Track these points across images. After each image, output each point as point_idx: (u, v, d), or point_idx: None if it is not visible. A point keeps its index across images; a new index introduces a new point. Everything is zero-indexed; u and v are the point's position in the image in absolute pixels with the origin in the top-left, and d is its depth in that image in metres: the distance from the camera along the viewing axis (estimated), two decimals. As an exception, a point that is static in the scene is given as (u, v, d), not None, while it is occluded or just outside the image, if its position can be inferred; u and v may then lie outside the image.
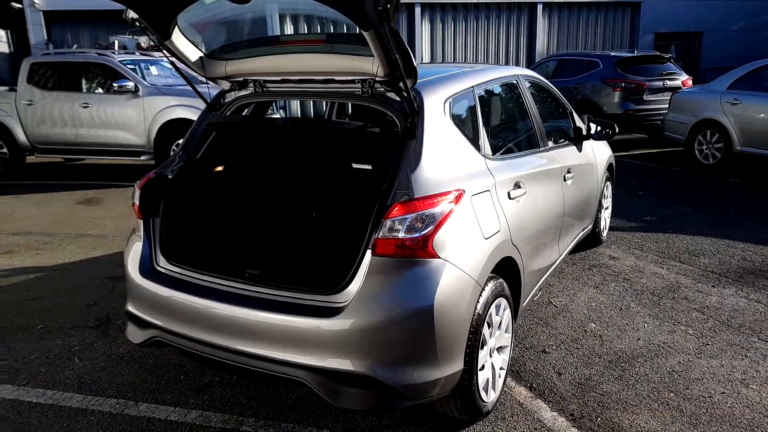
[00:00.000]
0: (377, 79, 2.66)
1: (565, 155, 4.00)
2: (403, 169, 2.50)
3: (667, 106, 9.72)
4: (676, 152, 9.56)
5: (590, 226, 4.86)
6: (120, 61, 8.73)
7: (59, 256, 5.39)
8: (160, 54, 12.22)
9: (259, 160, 3.44)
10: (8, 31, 19.09)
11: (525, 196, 3.12)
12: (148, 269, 2.87)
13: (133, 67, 8.80)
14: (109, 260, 5.26)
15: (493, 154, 3.04)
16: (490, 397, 2.83)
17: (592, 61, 10.76)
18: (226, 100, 3.22)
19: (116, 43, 12.84)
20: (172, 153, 8.19)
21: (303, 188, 3.33)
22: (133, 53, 10.14)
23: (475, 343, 2.57)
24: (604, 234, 5.36)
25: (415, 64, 2.47)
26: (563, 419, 2.88)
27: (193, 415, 2.93)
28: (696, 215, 6.26)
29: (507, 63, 16.31)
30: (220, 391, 3.13)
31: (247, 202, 3.37)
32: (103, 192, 8.06)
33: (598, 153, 4.85)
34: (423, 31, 16.02)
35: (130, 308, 2.93)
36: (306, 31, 13.47)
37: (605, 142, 5.28)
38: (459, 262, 2.43)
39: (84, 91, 8.69)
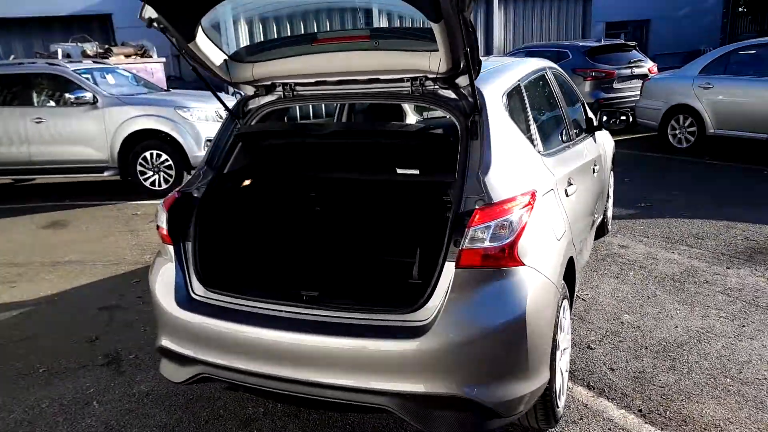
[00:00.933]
0: (431, 76, 2.50)
1: (590, 147, 3.94)
2: (470, 173, 2.34)
3: (635, 93, 9.93)
4: (648, 138, 9.77)
5: (601, 216, 4.83)
6: (74, 71, 8.18)
7: (39, 288, 4.96)
8: (115, 61, 11.67)
9: (297, 171, 3.21)
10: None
11: (576, 193, 3.03)
12: (185, 299, 2.61)
13: (88, 76, 8.26)
14: (95, 288, 4.88)
15: (545, 150, 2.93)
16: (562, 402, 2.72)
17: (561, 52, 10.88)
18: (250, 107, 2.98)
19: (59, 51, 12.11)
20: (139, 166, 7.78)
21: (351, 198, 3.13)
22: (79, 62, 9.55)
23: (554, 350, 2.46)
24: (610, 223, 5.37)
25: (480, 57, 2.32)
26: (633, 416, 2.80)
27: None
28: (686, 198, 6.38)
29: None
30: (269, 424, 2.90)
31: (288, 218, 3.13)
32: (68, 213, 7.54)
33: (607, 143, 4.83)
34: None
35: (166, 344, 2.66)
36: (341, 27, 12.41)
37: (607, 132, 5.28)
38: (542, 268, 2.30)
39: (35, 105, 8.09)
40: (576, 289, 3.37)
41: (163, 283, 2.69)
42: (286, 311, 2.42)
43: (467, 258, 2.16)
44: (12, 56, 13.89)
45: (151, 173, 7.91)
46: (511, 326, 2.16)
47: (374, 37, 2.57)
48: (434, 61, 2.41)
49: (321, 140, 2.76)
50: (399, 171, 2.94)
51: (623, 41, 11.45)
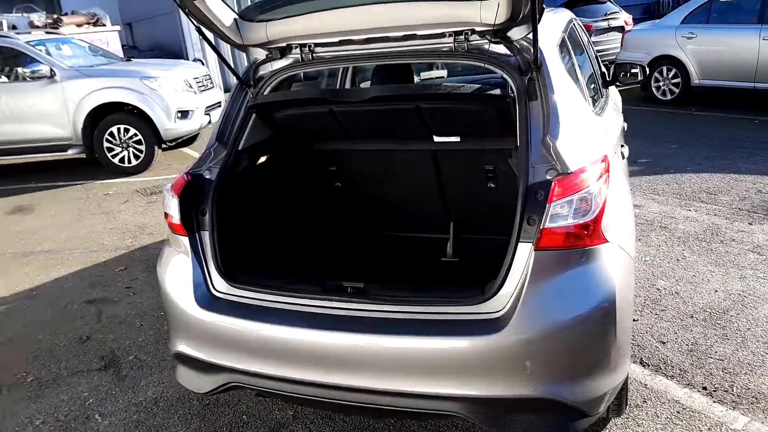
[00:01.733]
0: (479, 29, 2.15)
1: (616, 103, 3.67)
2: (533, 138, 2.03)
3: (614, 45, 9.71)
4: (631, 91, 9.58)
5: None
6: (27, 42, 7.46)
7: (15, 282, 4.50)
8: (68, 31, 10.80)
9: (321, 144, 2.83)
10: None
11: (624, 154, 2.76)
12: (206, 298, 2.26)
13: (41, 48, 7.55)
14: (77, 280, 4.44)
15: (594, 107, 2.63)
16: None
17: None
18: (261, 74, 2.57)
19: (4, 23, 11.17)
20: (123, 149, 7.17)
21: (383, 171, 2.78)
22: (28, 33, 8.76)
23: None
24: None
25: (543, 8, 1.98)
26: (698, 395, 2.61)
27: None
28: (686, 152, 6.22)
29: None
30: (302, 429, 2.60)
31: (314, 198, 2.78)
32: (33, 197, 6.95)
33: (617, 98, 4.57)
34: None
35: (184, 349, 2.31)
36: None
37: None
38: (623, 243, 2.03)
39: (-13, 81, 7.39)
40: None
41: (178, 279, 2.32)
42: (327, 307, 2.10)
43: (548, 238, 1.86)
44: None
45: (119, 149, 7.35)
46: (600, 313, 1.88)
47: None
48: (488, 11, 2.06)
49: (353, 107, 2.38)
50: (437, 139, 2.60)
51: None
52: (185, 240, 2.31)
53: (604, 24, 10.17)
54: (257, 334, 2.12)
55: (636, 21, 10.94)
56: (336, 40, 2.38)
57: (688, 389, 2.65)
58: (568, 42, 2.69)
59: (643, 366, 2.83)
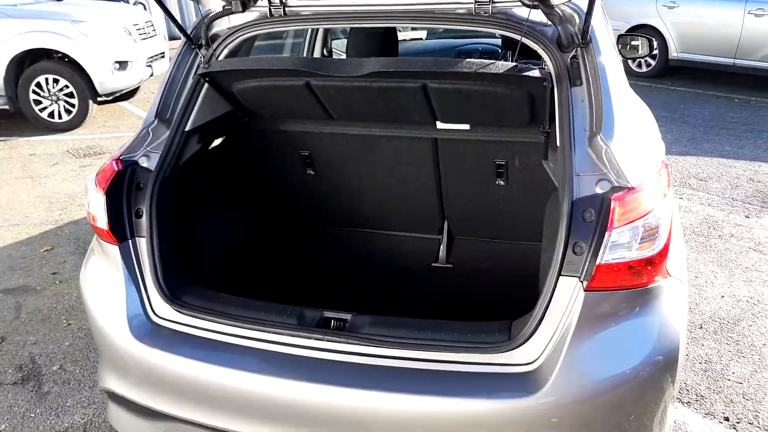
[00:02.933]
0: None
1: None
2: (578, 137, 1.58)
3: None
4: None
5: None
6: None
7: None
8: None
9: (287, 126, 2.27)
10: None
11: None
12: (143, 326, 1.74)
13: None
14: (-8, 261, 3.79)
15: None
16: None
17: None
18: (215, 31, 2.00)
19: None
20: (56, 103, 6.32)
21: (373, 162, 2.27)
22: None
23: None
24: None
25: None
26: (721, 428, 2.29)
27: None
28: (669, 131, 5.92)
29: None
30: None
31: (289, 191, 2.25)
32: (-55, 154, 6.07)
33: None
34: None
35: (115, 387, 1.81)
36: None
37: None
38: (682, 275, 1.62)
39: None
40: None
41: (105, 299, 1.80)
42: (303, 347, 1.62)
43: (605, 276, 1.43)
44: None
45: (48, 103, 6.48)
46: (661, 365, 1.48)
47: None
48: None
49: (343, 82, 1.84)
50: (440, 126, 2.10)
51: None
52: (115, 250, 1.77)
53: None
54: (208, 376, 1.63)
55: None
56: None
57: (708, 420, 2.34)
58: (604, 17, 2.22)
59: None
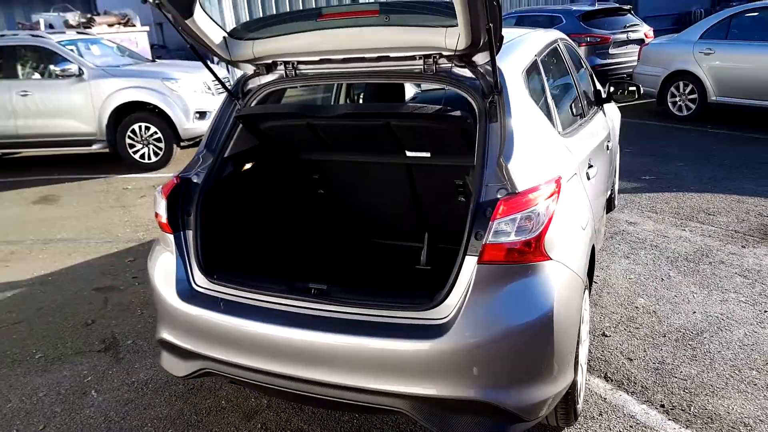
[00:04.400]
0: (446, 53, 2.29)
1: (601, 122, 3.76)
2: (490, 159, 2.17)
3: (632, 58, 9.69)
4: (647, 105, 9.57)
5: (609, 192, 4.69)
6: (58, 42, 7.83)
7: (32, 267, 4.79)
8: (99, 31, 11.21)
9: (301, 154, 3.01)
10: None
11: (595, 174, 2.86)
12: (186, 291, 2.45)
13: (72, 47, 7.92)
14: (89, 268, 4.71)
15: (564, 130, 2.75)
16: (580, 398, 2.61)
17: (554, 17, 10.57)
18: (250, 87, 2.77)
19: (41, 22, 11.69)
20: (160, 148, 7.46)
21: (358, 182, 2.94)
22: (63, 33, 9.17)
23: (577, 345, 2.33)
24: (616, 198, 5.23)
25: (502, 33, 2.12)
26: (655, 412, 2.70)
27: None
28: (693, 170, 6.23)
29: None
30: (273, 417, 2.78)
31: (293, 203, 2.96)
32: (58, 188, 7.30)
33: (614, 115, 4.65)
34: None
35: (167, 336, 2.51)
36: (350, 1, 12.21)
37: (614, 104, 5.09)
38: (569, 261, 2.15)
39: (21, 77, 7.78)
40: (594, 276, 3.25)
41: (163, 273, 2.53)
42: (293, 306, 2.27)
43: (490, 253, 2.01)
44: None
45: (140, 146, 7.67)
46: (537, 326, 2.02)
47: (384, 12, 2.35)
48: (451, 38, 2.21)
49: (329, 122, 2.55)
50: (409, 154, 2.75)
51: (617, 5, 11.13)
52: (171, 238, 2.51)
53: (623, 36, 10.14)
54: (230, 326, 2.30)
55: (665, 32, 10.90)
56: (317, 59, 2.56)
57: (645, 405, 2.75)
58: (543, 64, 2.81)
59: (607, 381, 2.93)
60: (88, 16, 12.42)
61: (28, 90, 7.62)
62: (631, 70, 9.53)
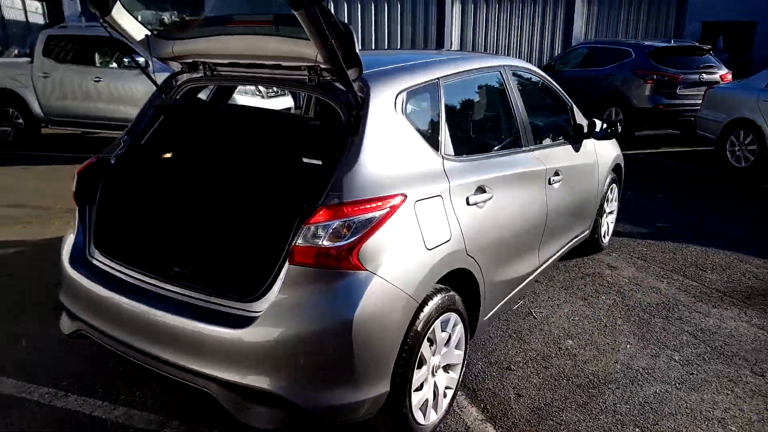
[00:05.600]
0: (323, 66, 2.42)
1: (555, 155, 3.68)
2: (340, 169, 2.26)
3: (698, 101, 9.15)
4: (708, 152, 8.99)
5: (587, 232, 4.53)
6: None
7: (46, 231, 5.36)
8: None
9: (199, 149, 3.22)
10: (43, 3, 19.36)
11: (491, 202, 2.84)
12: (78, 259, 2.73)
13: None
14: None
15: (457, 154, 2.77)
16: (429, 419, 2.60)
17: (624, 51, 10.19)
18: (177, 83, 3.02)
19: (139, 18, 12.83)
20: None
21: (239, 182, 3.11)
22: None
23: (409, 362, 2.34)
24: (606, 240, 5.01)
25: (356, 51, 2.22)
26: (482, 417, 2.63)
27: (119, 412, 2.80)
28: (716, 224, 5.82)
29: (541, 52, 15.67)
30: (156, 389, 2.98)
31: (181, 194, 3.15)
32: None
33: (603, 153, 4.49)
34: (453, 17, 15.57)
35: (61, 298, 2.80)
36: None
37: (613, 141, 4.92)
38: (389, 275, 2.19)
39: (97, 65, 8.68)
40: (498, 306, 3.19)
41: (68, 242, 2.82)
42: (151, 284, 2.47)
43: (300, 255, 2.10)
44: (82, 19, 14.86)
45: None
46: (334, 332, 2.08)
47: (276, 23, 2.51)
48: (317, 52, 2.33)
49: (218, 121, 2.75)
50: (305, 160, 2.87)
51: (696, 44, 10.47)
52: (77, 211, 2.80)
53: (695, 77, 9.57)
54: (102, 296, 2.54)
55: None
56: (226, 62, 2.76)
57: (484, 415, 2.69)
58: (444, 88, 2.80)
59: (482, 411, 2.88)
60: (182, 16, 13.50)
61: (101, 77, 8.48)
62: (694, 113, 9.00)
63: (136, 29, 2.80)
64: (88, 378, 3.07)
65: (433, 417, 2.64)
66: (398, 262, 2.23)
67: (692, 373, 3.23)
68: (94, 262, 2.70)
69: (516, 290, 3.38)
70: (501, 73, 3.35)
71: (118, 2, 2.66)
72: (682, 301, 4.11)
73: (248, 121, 2.75)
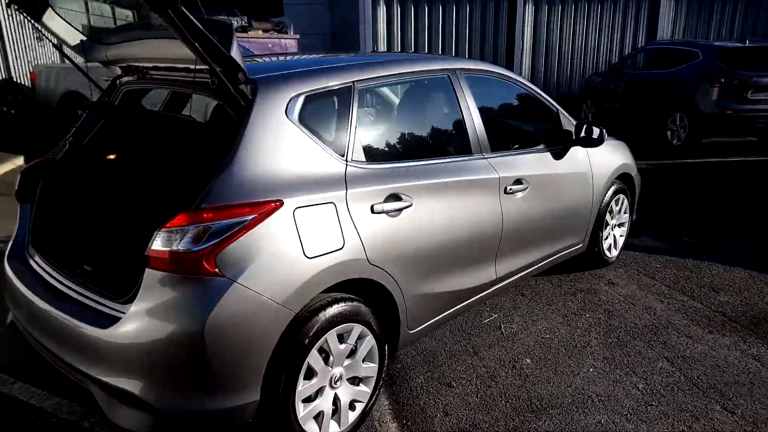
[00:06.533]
0: (218, 69, 2.42)
1: (520, 163, 3.46)
2: (217, 173, 2.25)
3: (772, 107, 8.32)
4: (779, 163, 8.15)
5: (581, 245, 4.22)
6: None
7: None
8: (253, 34, 12.66)
9: (120, 152, 3.30)
10: (134, 12, 20.77)
11: (409, 210, 2.72)
12: (14, 254, 2.90)
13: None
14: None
15: (370, 160, 2.67)
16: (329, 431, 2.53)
17: (690, 52, 9.44)
18: (119, 86, 3.14)
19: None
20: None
21: (143, 183, 3.15)
22: None
23: (293, 373, 2.29)
24: (612, 254, 4.65)
25: (229, 53, 2.19)
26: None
27: (52, 402, 2.92)
28: (754, 244, 5.24)
29: (621, 54, 14.86)
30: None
31: (98, 194, 3.22)
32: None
33: (600, 161, 4.18)
34: (526, 18, 15.16)
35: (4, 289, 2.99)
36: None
37: (620, 147, 4.58)
38: (252, 283, 2.14)
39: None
40: (434, 320, 3.05)
41: (12, 237, 3.01)
42: (58, 281, 2.59)
43: (155, 259, 2.11)
44: None
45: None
46: (187, 337, 2.07)
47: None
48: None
49: (135, 124, 2.82)
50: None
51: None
52: (19, 207, 2.98)
53: (769, 82, 8.70)
54: (19, 289, 2.67)
55: None
56: (150, 65, 2.84)
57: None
58: (358, 93, 2.70)
59: (403, 428, 2.76)
60: (250, 21, 14.06)
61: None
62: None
63: (69, 34, 2.92)
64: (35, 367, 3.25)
65: (335, 429, 2.56)
66: (266, 270, 2.18)
67: (651, 404, 2.92)
68: (28, 258, 2.85)
69: (463, 304, 3.21)
70: (449, 77, 3.19)
71: (49, 8, 2.80)
72: (675, 324, 3.73)
73: (157, 126, 2.81)
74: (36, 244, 2.86)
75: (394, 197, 2.66)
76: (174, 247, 2.09)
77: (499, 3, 15.19)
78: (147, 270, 2.13)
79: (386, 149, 2.86)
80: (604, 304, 4.00)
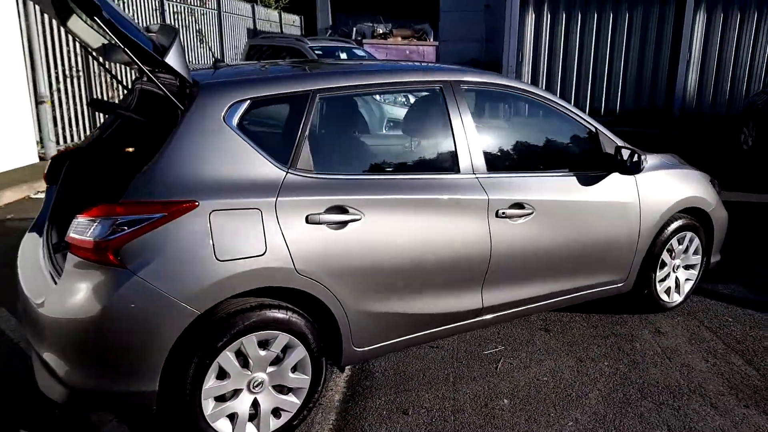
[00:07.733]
0: (150, 71, 2.54)
1: (526, 185, 3.15)
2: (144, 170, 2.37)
3: None
4: None
5: (621, 285, 3.73)
6: (310, 47, 9.64)
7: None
8: (392, 41, 13.02)
9: (109, 144, 3.53)
10: (301, 17, 22.42)
11: (357, 224, 2.62)
12: (35, 228, 3.28)
13: (320, 52, 9.63)
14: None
15: (319, 170, 2.61)
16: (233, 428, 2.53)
17: None
18: (135, 85, 3.42)
19: (355, 30, 14.13)
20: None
21: (109, 174, 3.33)
22: (325, 39, 11.06)
23: (200, 369, 2.35)
24: (674, 299, 4.02)
25: (163, 60, 2.31)
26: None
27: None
28: None
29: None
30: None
31: (87, 182, 3.44)
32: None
33: (652, 191, 3.65)
34: (696, 27, 13.75)
35: None
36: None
37: (696, 178, 3.98)
38: (153, 278, 2.23)
39: (281, 70, 9.93)
40: (397, 340, 2.92)
41: (40, 213, 3.43)
42: (47, 254, 2.90)
43: (71, 245, 2.29)
44: (328, 32, 16.65)
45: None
46: (85, 320, 2.22)
47: None
48: None
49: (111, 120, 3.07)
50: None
51: None
52: (46, 188, 3.40)
53: None
54: (30, 261, 3.04)
55: None
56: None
57: None
58: (320, 101, 2.69)
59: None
60: (391, 29, 14.47)
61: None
62: None
63: (92, 37, 3.25)
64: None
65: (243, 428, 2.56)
66: (170, 267, 2.25)
67: (618, 478, 2.51)
68: (42, 234, 3.22)
69: (435, 330, 3.02)
70: (442, 90, 2.99)
71: (74, 14, 3.13)
72: (706, 389, 3.14)
73: (127, 124, 3.04)
74: (52, 220, 3.25)
75: (339, 209, 2.58)
76: (85, 236, 2.25)
77: (665, 8, 13.93)
78: (68, 254, 2.33)
79: (344, 160, 2.79)
80: (634, 355, 3.50)
